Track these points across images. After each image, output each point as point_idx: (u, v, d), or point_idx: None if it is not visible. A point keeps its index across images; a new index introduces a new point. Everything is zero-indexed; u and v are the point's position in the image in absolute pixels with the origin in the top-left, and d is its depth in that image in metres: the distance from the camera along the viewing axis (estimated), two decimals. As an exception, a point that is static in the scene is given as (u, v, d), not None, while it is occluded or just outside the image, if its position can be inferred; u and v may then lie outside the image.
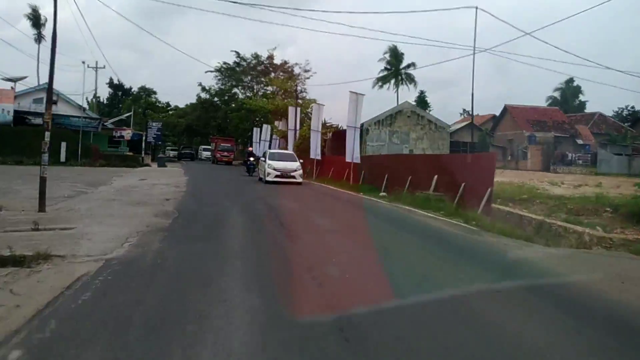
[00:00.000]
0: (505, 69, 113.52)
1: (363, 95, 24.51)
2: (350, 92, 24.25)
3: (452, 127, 60.19)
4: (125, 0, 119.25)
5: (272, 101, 42.63)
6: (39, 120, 39.22)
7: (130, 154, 38.11)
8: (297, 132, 32.27)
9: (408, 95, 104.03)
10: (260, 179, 24.68)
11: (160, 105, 56.43)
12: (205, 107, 68.31)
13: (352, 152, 24.11)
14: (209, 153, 59.89)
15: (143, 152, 38.10)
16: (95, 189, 17.14)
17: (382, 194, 19.34)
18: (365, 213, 14.32)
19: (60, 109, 41.43)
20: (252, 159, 32.75)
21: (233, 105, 58.39)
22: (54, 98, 47.09)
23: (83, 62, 50.65)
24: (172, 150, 69.32)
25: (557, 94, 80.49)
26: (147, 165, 37.49)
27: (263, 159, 26.02)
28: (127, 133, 38.71)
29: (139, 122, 55.05)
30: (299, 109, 33.22)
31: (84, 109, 40.89)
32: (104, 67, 51.00)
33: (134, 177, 24.65)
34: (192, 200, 15.42)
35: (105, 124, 41.41)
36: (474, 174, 14.53)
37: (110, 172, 29.33)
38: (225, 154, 47.01)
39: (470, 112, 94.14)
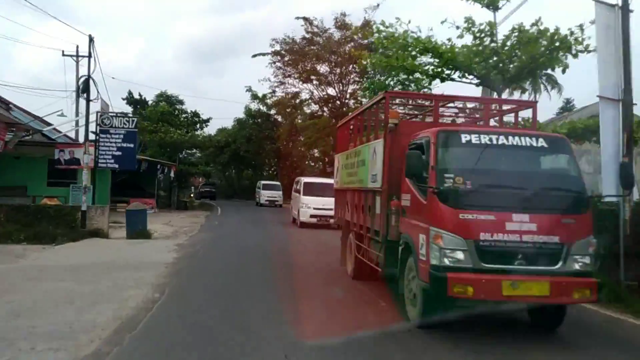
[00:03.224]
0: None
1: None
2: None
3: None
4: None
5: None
6: None
7: (52, 203, 14.87)
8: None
9: (548, 105, 75.05)
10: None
11: (184, 117, 33.67)
12: (257, 124, 45.83)
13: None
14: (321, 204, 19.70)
15: (83, 198, 13.96)
16: None
17: None
18: None
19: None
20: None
21: (299, 115, 35.02)
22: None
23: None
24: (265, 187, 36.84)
25: None
26: (98, 232, 13.92)
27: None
28: (87, 155, 15.40)
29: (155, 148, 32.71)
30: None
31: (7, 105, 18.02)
32: (90, 56, 28.87)
33: None
34: None
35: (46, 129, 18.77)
36: None
37: None
38: None
39: None
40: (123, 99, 39.17)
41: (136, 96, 38.85)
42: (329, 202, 18.42)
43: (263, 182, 39.04)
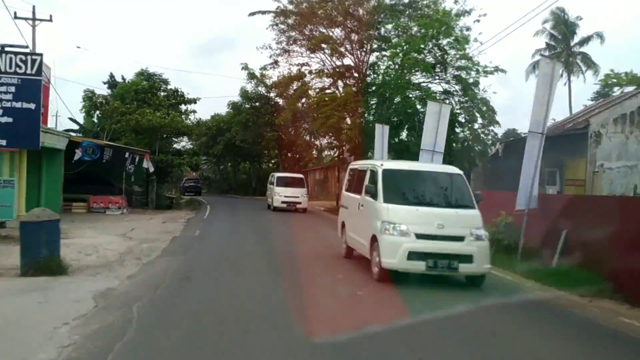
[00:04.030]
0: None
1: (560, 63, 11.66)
2: (542, 55, 13.64)
3: None
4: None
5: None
6: None
7: None
8: None
9: (583, 88, 70.97)
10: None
11: (164, 96, 27.15)
12: (255, 108, 39.50)
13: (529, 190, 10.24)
14: None
15: None
16: None
17: None
18: None
19: None
20: None
21: (307, 90, 28.65)
22: None
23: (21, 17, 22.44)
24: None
25: None
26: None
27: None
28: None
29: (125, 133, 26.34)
30: None
31: None
32: (51, 20, 22.72)
33: None
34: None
35: None
36: None
37: None
38: None
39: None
40: (104, 83, 33.07)
41: (119, 80, 32.30)
42: (450, 218, 8.22)
43: (277, 174, 27.26)
